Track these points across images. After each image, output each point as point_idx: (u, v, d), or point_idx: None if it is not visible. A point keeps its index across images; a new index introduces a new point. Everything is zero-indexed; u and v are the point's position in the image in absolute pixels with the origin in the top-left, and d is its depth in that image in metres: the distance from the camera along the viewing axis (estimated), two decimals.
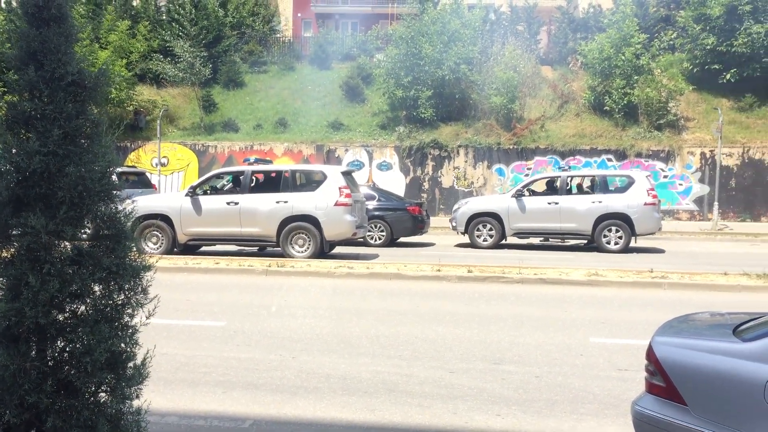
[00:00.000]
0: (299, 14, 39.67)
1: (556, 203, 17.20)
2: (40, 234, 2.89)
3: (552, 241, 18.44)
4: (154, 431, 4.74)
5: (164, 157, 29.63)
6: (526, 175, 26.97)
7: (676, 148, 27.58)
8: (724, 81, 28.56)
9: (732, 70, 28.27)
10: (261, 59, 34.71)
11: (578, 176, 19.03)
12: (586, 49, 29.33)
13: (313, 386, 6.12)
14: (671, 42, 30.68)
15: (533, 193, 18.30)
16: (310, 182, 15.41)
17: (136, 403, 3.24)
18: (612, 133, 28.31)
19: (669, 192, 27.08)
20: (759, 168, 26.98)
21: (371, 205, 17.63)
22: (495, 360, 6.99)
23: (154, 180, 26.28)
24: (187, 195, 14.85)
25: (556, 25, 33.70)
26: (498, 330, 8.34)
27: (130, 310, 3.17)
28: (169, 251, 14.54)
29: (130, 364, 3.18)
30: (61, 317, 3.02)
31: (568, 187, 17.78)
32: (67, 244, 3.04)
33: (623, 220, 16.82)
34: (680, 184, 27.45)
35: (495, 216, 17.62)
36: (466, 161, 28.50)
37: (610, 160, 27.59)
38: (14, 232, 2.97)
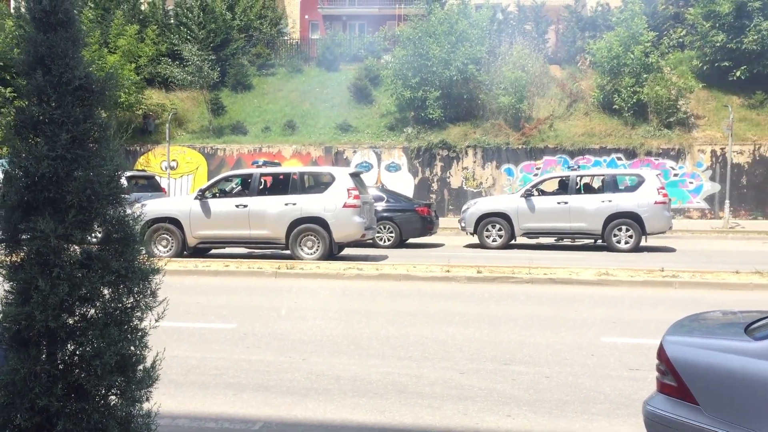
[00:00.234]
0: (306, 16, 39.73)
1: (566, 203, 17.14)
2: (50, 238, 2.90)
3: (566, 241, 18.36)
4: None
5: (173, 160, 29.74)
6: (535, 174, 26.89)
7: (687, 146, 27.43)
8: (734, 78, 28.38)
9: (742, 67, 28.09)
10: (269, 62, 34.79)
11: (588, 175, 18.95)
12: (594, 48, 29.23)
13: (324, 388, 6.11)
14: (680, 39, 30.54)
15: (542, 192, 18.24)
16: (318, 184, 15.43)
17: (146, 405, 3.24)
18: (621, 131, 28.19)
19: (680, 190, 26.94)
20: None
21: (380, 206, 17.62)
22: (505, 360, 6.97)
23: (163, 183, 26.38)
24: (196, 198, 14.89)
25: (564, 23, 33.60)
26: (508, 330, 8.31)
27: (139, 313, 3.18)
28: (179, 254, 14.58)
29: (140, 367, 3.19)
30: (70, 321, 3.03)
31: (577, 187, 17.71)
32: (76, 247, 3.05)
33: (633, 219, 16.73)
34: (691, 183, 27.30)
35: (504, 216, 17.57)
36: (474, 161, 28.45)
37: (619, 159, 27.47)
38: (24, 237, 2.98)
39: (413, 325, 8.64)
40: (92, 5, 33.75)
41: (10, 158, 3.00)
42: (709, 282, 11.20)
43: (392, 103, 30.23)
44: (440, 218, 21.43)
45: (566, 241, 18.38)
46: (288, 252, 14.52)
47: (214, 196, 15.13)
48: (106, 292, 3.11)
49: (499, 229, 17.60)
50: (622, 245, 16.72)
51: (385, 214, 17.84)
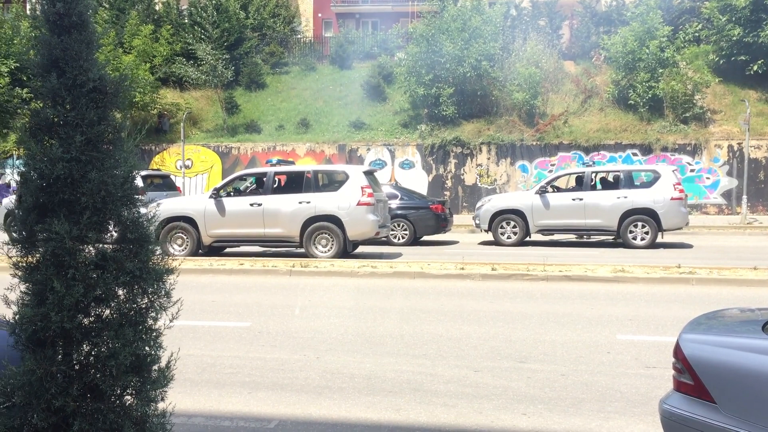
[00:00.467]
0: (320, 14, 39.77)
1: (581, 199, 17.05)
2: (65, 239, 2.91)
3: (581, 237, 18.27)
4: None
5: (188, 159, 29.91)
6: (550, 171, 26.77)
7: (703, 141, 27.18)
8: (751, 72, 28.09)
9: (759, 61, 27.79)
10: (282, 60, 34.87)
11: (603, 172, 18.84)
12: (609, 43, 29.04)
13: (338, 386, 6.12)
14: (696, 34, 30.24)
15: (557, 189, 18.17)
16: (332, 182, 15.45)
17: (161, 405, 3.26)
18: (637, 127, 27.99)
19: (696, 186, 26.71)
20: None
21: (394, 204, 17.62)
22: (520, 358, 6.94)
23: (178, 182, 26.54)
24: (210, 197, 14.96)
25: (578, 19, 33.40)
26: (523, 328, 8.28)
27: (153, 314, 3.19)
28: (194, 253, 14.66)
29: (155, 367, 3.20)
30: (86, 321, 3.04)
31: (592, 183, 17.62)
32: (91, 248, 3.07)
33: (649, 216, 16.61)
34: (707, 178, 27.06)
35: (519, 213, 17.51)
36: (488, 158, 28.37)
37: (635, 154, 27.28)
38: (39, 238, 3.00)
39: (428, 322, 8.64)
40: (107, 6, 34.01)
41: (26, 160, 3.02)
42: (726, 278, 11.10)
43: (406, 100, 30.21)
44: (454, 215, 21.39)
45: (578, 237, 18.28)
46: (302, 250, 14.56)
47: (228, 194, 15.19)
48: (120, 292, 3.12)
49: (514, 226, 17.54)
50: (638, 242, 16.61)
51: (399, 212, 17.83)
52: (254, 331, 8.28)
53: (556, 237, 18.31)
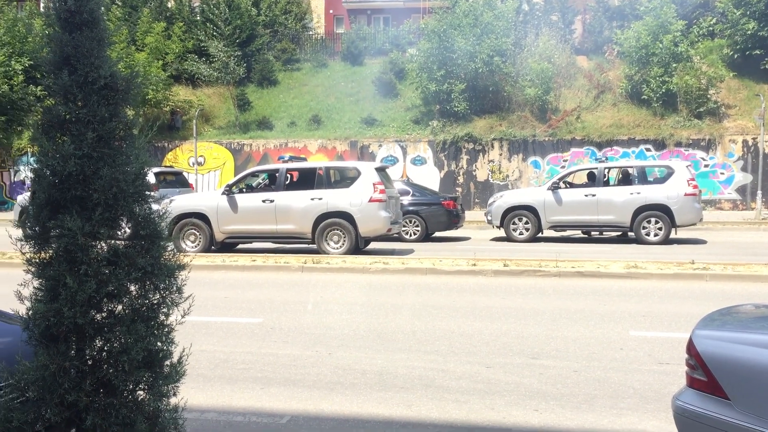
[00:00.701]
0: (331, 11, 39.77)
1: (594, 195, 16.96)
2: (77, 235, 2.93)
3: (596, 233, 18.18)
4: (194, 428, 4.82)
5: (201, 156, 30.02)
6: (562, 167, 26.63)
7: (717, 136, 26.95)
8: (766, 66, 27.85)
9: None
10: (294, 57, 34.92)
11: (616, 167, 18.74)
12: (622, 38, 28.85)
13: (350, 382, 6.13)
14: (710, 28, 29.97)
15: (570, 185, 18.08)
16: (344, 179, 15.46)
17: (173, 400, 3.28)
18: (650, 122, 27.80)
19: (710, 181, 26.51)
20: None
21: (406, 200, 17.60)
22: (532, 354, 6.92)
23: (191, 179, 26.65)
24: (223, 194, 15.01)
25: (591, 14, 33.19)
26: (535, 324, 8.26)
27: (165, 309, 3.21)
28: (206, 249, 14.73)
29: (167, 363, 3.22)
30: (98, 317, 3.07)
31: (605, 179, 17.53)
32: (103, 244, 3.09)
33: (663, 212, 16.50)
34: (722, 173, 26.84)
35: (531, 209, 17.45)
36: (500, 154, 28.28)
37: (648, 150, 27.09)
38: (52, 234, 3.02)
39: (439, 319, 8.63)
40: (120, 3, 34.16)
41: (38, 157, 3.04)
42: (741, 274, 11.01)
43: (417, 96, 30.16)
44: (466, 211, 21.35)
45: (585, 234, 18.21)
46: (314, 246, 14.58)
47: (240, 191, 15.24)
48: (132, 288, 3.14)
49: (526, 222, 17.48)
50: (652, 238, 16.51)
51: (411, 208, 17.81)
52: (266, 327, 8.30)
53: (569, 233, 18.23)
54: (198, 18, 34.70)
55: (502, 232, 18.03)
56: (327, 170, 15.24)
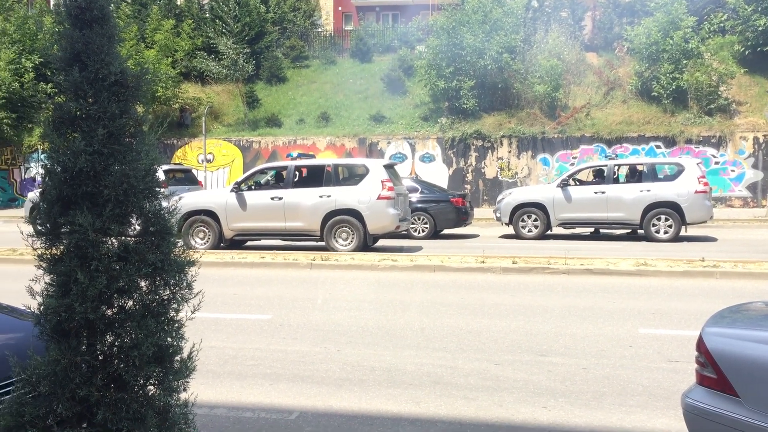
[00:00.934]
0: (340, 8, 39.78)
1: (603, 192, 16.90)
2: (88, 231, 2.95)
3: (607, 231, 18.11)
4: (204, 423, 4.84)
5: (210, 153, 30.10)
6: (572, 164, 26.53)
7: (728, 133, 26.79)
8: None
9: None
10: (303, 54, 34.95)
11: (625, 164, 18.65)
12: (632, 34, 28.70)
13: (359, 378, 6.14)
14: (722, 24, 29.78)
15: (579, 182, 18.02)
16: (352, 176, 15.46)
17: (183, 395, 3.29)
18: (660, 119, 27.66)
19: (721, 179, 26.36)
20: None
21: (414, 197, 17.59)
22: (541, 352, 6.91)
23: (200, 176, 26.72)
24: (232, 191, 15.05)
25: (600, 10, 33.05)
26: (544, 321, 8.25)
27: (175, 305, 3.22)
28: (215, 246, 14.77)
29: (177, 358, 3.23)
30: (109, 312, 3.08)
31: (615, 176, 17.47)
32: (113, 240, 3.10)
33: (673, 209, 16.42)
34: (732, 171, 26.68)
35: (540, 206, 17.41)
36: (509, 151, 28.22)
37: (658, 147, 26.96)
38: (63, 230, 3.04)
39: (448, 316, 8.63)
40: (129, 1, 34.28)
41: (49, 154, 3.06)
42: (751, 272, 10.96)
43: (426, 93, 30.11)
44: (475, 209, 21.31)
45: (593, 232, 18.14)
46: (323, 244, 14.60)
47: (249, 188, 15.27)
48: (143, 284, 3.15)
49: (535, 220, 17.45)
50: (661, 235, 16.44)
51: (419, 205, 17.81)
52: (275, 323, 8.33)
53: (579, 230, 18.17)
54: (207, 15, 34.78)
55: (511, 230, 18.00)
56: (335, 167, 15.25)
